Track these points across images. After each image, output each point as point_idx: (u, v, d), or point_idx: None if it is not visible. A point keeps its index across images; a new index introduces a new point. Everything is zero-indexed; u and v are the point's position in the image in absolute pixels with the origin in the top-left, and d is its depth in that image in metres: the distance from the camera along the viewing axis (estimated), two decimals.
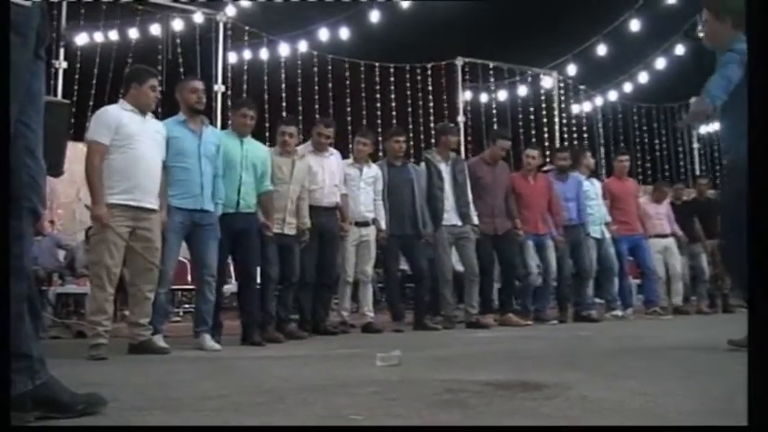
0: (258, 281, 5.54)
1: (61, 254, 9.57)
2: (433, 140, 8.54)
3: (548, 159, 9.93)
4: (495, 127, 12.96)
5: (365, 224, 6.56)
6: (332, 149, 6.33)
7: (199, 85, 5.12)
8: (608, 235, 7.98)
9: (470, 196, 6.97)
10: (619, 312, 7.81)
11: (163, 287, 4.76)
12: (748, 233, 2.32)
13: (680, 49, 13.49)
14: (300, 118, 11.19)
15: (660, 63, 13.93)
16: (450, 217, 6.85)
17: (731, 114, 3.99)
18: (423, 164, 7.06)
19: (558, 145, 13.24)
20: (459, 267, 7.15)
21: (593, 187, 8.06)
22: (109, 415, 2.20)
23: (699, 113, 4.05)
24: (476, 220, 6.93)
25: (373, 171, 6.66)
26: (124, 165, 4.42)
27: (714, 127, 15.65)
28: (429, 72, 13.53)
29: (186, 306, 9.52)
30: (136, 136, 4.48)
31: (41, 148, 2.18)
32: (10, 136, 1.89)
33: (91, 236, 4.54)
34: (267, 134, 9.78)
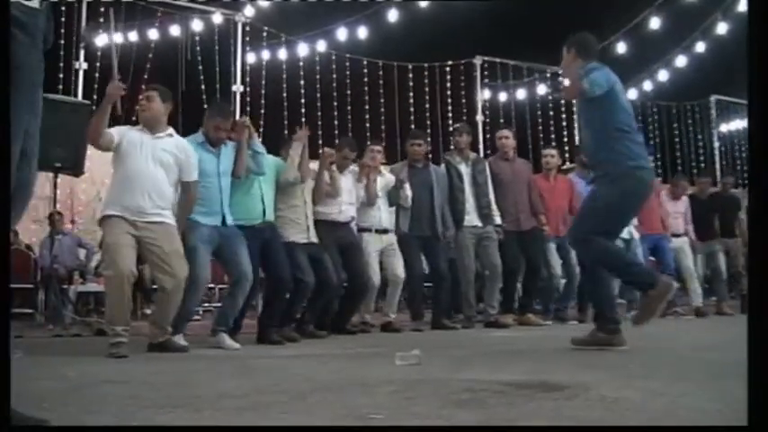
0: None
1: (82, 252, 9.65)
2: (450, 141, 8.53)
3: (567, 160, 9.85)
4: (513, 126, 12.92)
5: (385, 231, 6.58)
6: (351, 167, 6.37)
7: (223, 125, 5.12)
8: (636, 235, 7.89)
9: (492, 196, 6.95)
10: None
11: (195, 294, 4.80)
12: (749, 234, 2.32)
13: (700, 47, 13.37)
14: (319, 114, 11.22)
15: (680, 61, 13.81)
16: (472, 218, 6.85)
17: (591, 127, 4.39)
18: (443, 165, 7.05)
19: (577, 144, 13.15)
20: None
21: None
22: (131, 413, 2.21)
23: (571, 90, 4.37)
24: (498, 221, 6.91)
25: (386, 179, 6.69)
26: (122, 179, 4.49)
27: (735, 125, 15.57)
28: (447, 71, 13.51)
29: (206, 305, 9.56)
30: (138, 152, 4.51)
31: (37, 154, 2.14)
32: (10, 137, 1.87)
33: (103, 242, 4.59)
34: (286, 132, 9.77)
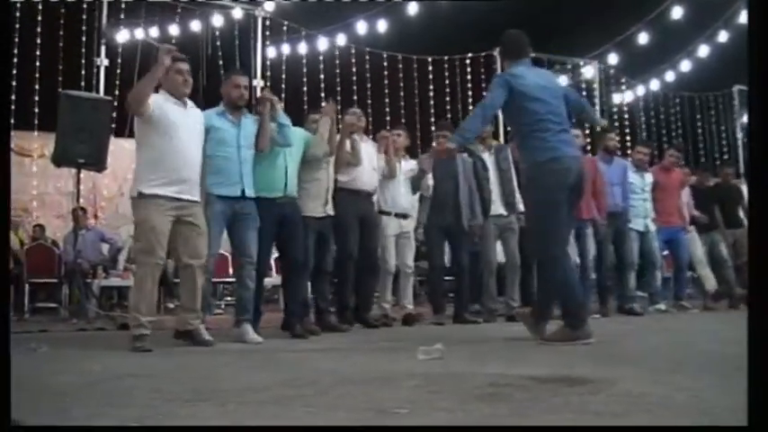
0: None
1: (105, 247, 9.73)
2: None
3: (588, 144, 9.72)
4: None
5: (404, 216, 6.58)
6: (365, 137, 6.35)
7: (241, 80, 5.14)
8: (653, 228, 7.80)
9: (516, 184, 6.90)
10: (662, 306, 7.68)
11: (205, 274, 4.81)
12: (749, 233, 2.29)
13: (723, 36, 13.21)
14: (339, 108, 11.21)
15: (703, 51, 13.66)
16: (497, 207, 6.81)
17: (511, 125, 4.72)
18: (466, 154, 7.00)
19: (597, 130, 13.01)
20: (500, 259, 7.10)
21: (641, 181, 7.84)
22: (156, 407, 2.22)
23: (450, 148, 4.76)
24: (521, 208, 6.85)
25: (410, 165, 6.67)
26: (167, 156, 4.41)
27: None
28: (468, 64, 13.46)
29: (228, 299, 9.61)
30: (178, 126, 4.47)
31: None
32: (10, 137, 1.86)
33: (137, 225, 4.53)
34: (306, 108, 9.79)
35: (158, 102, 4.46)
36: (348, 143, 5.95)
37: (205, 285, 4.81)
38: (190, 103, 4.69)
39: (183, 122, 4.52)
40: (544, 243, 4.43)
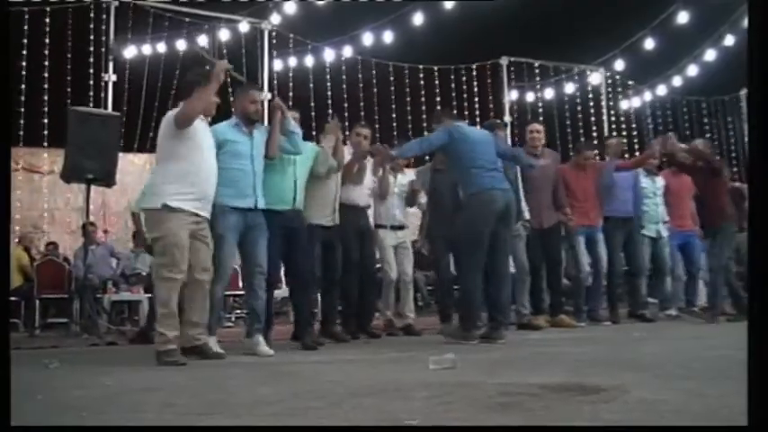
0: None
1: (114, 262, 9.75)
2: None
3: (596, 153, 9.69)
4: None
5: (400, 227, 6.65)
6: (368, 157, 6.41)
7: (257, 96, 5.22)
8: (665, 234, 7.75)
9: (522, 192, 6.86)
10: (672, 312, 7.63)
11: (220, 284, 4.80)
12: (749, 234, 2.29)
13: (729, 40, 13.17)
14: (347, 119, 11.23)
15: (709, 55, 13.63)
16: None
17: (449, 162, 5.84)
18: None
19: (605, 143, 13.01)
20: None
21: (652, 185, 7.81)
22: (169, 419, 2.23)
23: (388, 157, 5.86)
24: (527, 215, 6.83)
25: (406, 178, 6.74)
26: (194, 171, 4.44)
27: None
28: (474, 73, 13.48)
29: (238, 312, 9.62)
30: (204, 143, 4.54)
31: None
32: (10, 137, 1.86)
33: (160, 239, 4.48)
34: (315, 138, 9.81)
35: None
36: (357, 164, 6.01)
37: (219, 293, 4.83)
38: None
39: (207, 140, 4.59)
40: (464, 262, 5.47)
